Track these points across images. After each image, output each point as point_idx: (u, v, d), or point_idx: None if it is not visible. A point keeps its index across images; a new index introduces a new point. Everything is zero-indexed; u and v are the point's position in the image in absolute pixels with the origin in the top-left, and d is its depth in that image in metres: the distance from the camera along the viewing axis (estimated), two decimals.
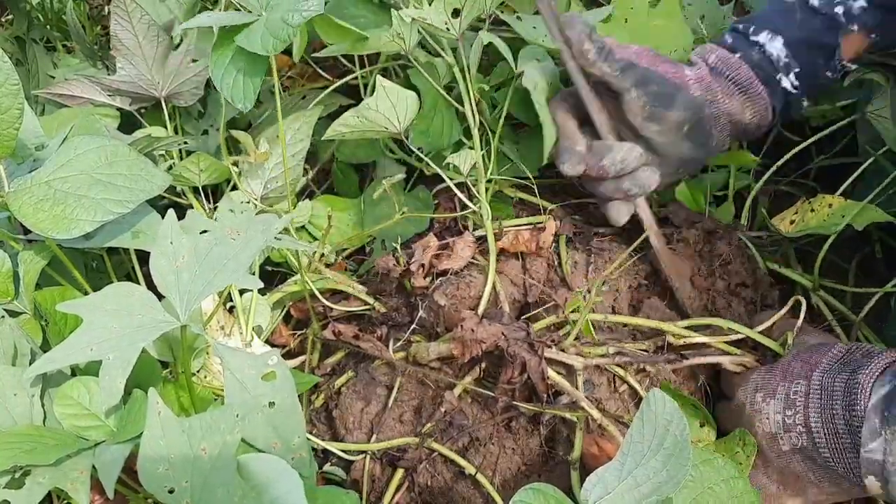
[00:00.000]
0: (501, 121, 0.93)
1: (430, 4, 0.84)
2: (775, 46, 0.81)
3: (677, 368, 0.81)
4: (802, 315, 0.80)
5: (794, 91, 0.83)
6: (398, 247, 0.91)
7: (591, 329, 0.82)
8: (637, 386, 0.80)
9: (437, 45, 0.89)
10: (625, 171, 0.82)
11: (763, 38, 0.82)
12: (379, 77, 0.85)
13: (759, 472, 0.75)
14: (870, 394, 0.67)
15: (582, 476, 0.76)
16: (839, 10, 0.81)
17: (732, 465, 0.66)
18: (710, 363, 0.80)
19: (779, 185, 1.06)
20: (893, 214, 0.86)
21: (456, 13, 0.85)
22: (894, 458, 0.65)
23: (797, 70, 0.82)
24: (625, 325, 0.87)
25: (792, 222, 0.90)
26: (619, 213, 0.86)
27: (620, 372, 0.80)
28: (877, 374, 0.68)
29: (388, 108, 0.86)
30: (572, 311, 0.82)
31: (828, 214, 0.87)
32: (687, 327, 0.82)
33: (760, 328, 0.81)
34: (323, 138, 0.88)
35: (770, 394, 0.74)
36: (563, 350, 0.79)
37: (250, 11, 0.78)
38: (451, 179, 0.90)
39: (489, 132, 0.95)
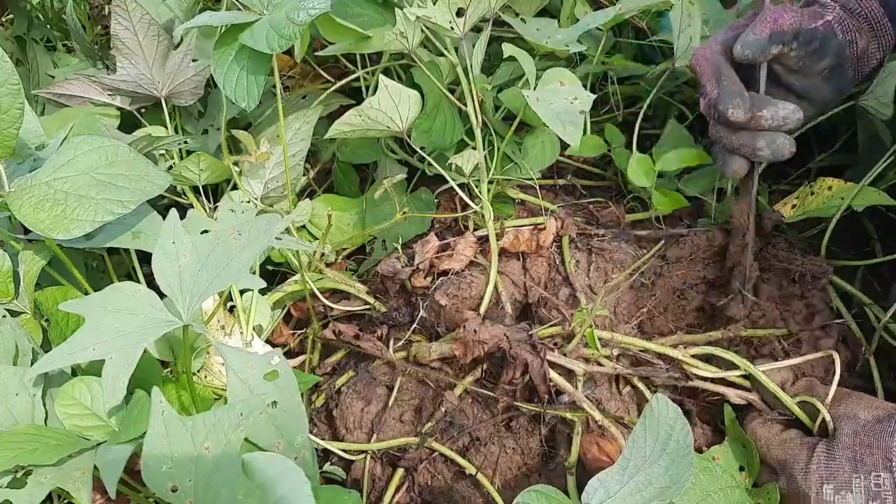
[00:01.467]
0: (507, 120, 0.93)
1: (434, 3, 0.84)
2: None
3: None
4: (836, 380, 0.74)
5: None
6: (399, 247, 0.91)
7: (596, 341, 0.81)
8: (641, 386, 0.80)
9: (441, 45, 0.89)
10: (781, 128, 0.78)
11: None
12: (381, 76, 0.85)
13: None
14: None
15: (580, 478, 0.76)
16: None
17: (731, 475, 0.66)
18: (715, 390, 0.79)
19: (779, 185, 1.06)
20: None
21: (460, 13, 0.85)
22: None
23: None
24: (627, 321, 0.87)
25: (793, 206, 0.90)
26: (740, 168, 0.82)
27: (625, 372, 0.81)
28: None
29: (391, 106, 0.86)
30: (578, 323, 0.81)
31: (827, 197, 0.87)
32: (695, 355, 0.80)
33: (766, 368, 0.78)
34: (325, 137, 0.88)
35: (844, 486, 0.69)
36: (564, 354, 0.79)
37: (252, 10, 0.78)
38: (452, 180, 0.90)
39: (492, 133, 0.95)
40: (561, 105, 0.83)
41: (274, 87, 0.84)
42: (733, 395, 0.77)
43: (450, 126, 0.93)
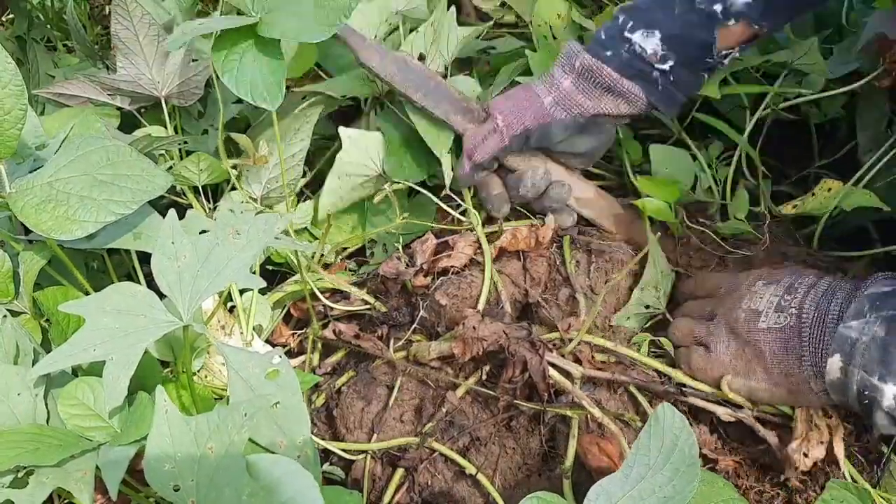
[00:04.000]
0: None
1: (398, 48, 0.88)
2: (651, 42, 0.84)
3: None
4: None
5: (670, 81, 0.86)
6: (400, 247, 0.91)
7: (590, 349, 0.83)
8: (637, 394, 0.81)
9: None
10: (541, 191, 0.91)
11: (638, 36, 0.85)
12: (341, 128, 0.91)
13: (720, 343, 0.78)
14: (869, 287, 0.70)
15: (577, 479, 0.76)
16: (717, 7, 0.83)
17: (732, 487, 0.66)
18: (707, 409, 0.79)
19: (779, 186, 1.07)
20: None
21: (422, 57, 0.91)
22: (867, 340, 0.67)
23: (672, 63, 0.85)
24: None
25: (794, 207, 0.93)
26: (566, 219, 0.94)
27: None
28: (885, 283, 0.71)
29: (361, 154, 0.91)
30: (577, 330, 0.82)
31: (825, 198, 0.90)
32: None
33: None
34: (319, 218, 0.94)
35: (773, 282, 0.78)
36: (563, 355, 0.80)
37: (246, 14, 0.77)
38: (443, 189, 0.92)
39: None
40: None
41: None
42: (722, 412, 0.78)
43: (423, 157, 0.95)
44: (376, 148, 0.92)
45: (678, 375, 0.80)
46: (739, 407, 0.78)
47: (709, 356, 0.79)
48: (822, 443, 0.75)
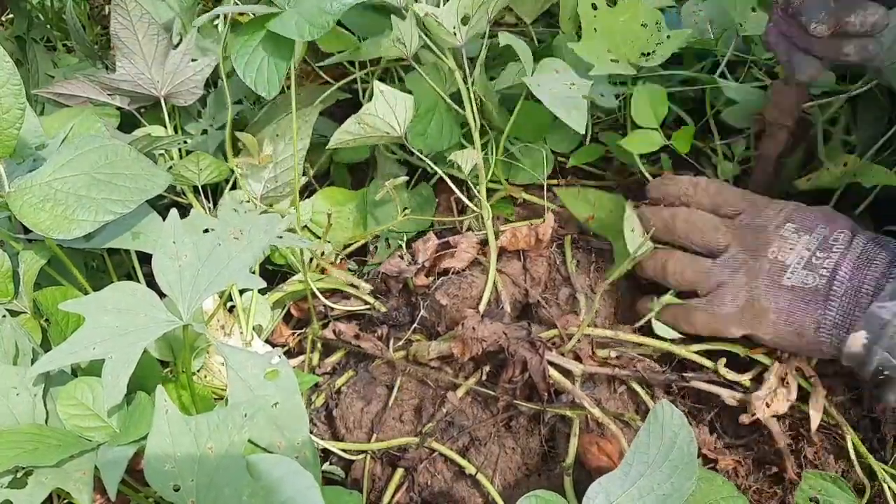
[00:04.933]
0: (509, 127, 0.93)
1: (444, 4, 0.85)
2: None
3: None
4: None
5: None
6: (403, 244, 0.91)
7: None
8: (639, 389, 0.81)
9: (439, 50, 0.89)
10: (869, 34, 0.73)
11: None
12: (376, 82, 0.86)
13: (727, 294, 0.74)
14: None
15: (579, 478, 0.76)
16: None
17: (731, 485, 0.66)
18: (711, 391, 0.79)
19: None
20: None
21: (465, 20, 0.85)
22: None
23: None
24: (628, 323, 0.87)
25: (808, 180, 0.90)
26: (817, 71, 0.77)
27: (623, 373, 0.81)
28: None
29: (388, 112, 0.86)
30: (577, 327, 0.82)
31: (842, 172, 0.87)
32: (697, 352, 0.80)
33: None
34: (327, 148, 0.89)
35: (805, 229, 0.73)
36: (562, 354, 0.80)
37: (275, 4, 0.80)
38: (452, 179, 0.90)
39: (494, 134, 0.95)
40: (561, 90, 0.84)
41: None
42: (727, 395, 0.77)
43: (447, 129, 0.93)
44: (403, 109, 0.87)
45: (681, 352, 0.79)
46: (745, 389, 0.77)
47: (713, 312, 0.74)
48: (788, 401, 0.75)
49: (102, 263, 0.87)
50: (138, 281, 0.81)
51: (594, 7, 0.93)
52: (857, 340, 0.67)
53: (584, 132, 0.82)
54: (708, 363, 0.79)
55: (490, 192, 0.94)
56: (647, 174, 0.91)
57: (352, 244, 1.00)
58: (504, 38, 0.87)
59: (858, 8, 0.72)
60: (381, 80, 0.98)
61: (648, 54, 0.92)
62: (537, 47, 1.06)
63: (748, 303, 0.73)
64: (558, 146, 1.00)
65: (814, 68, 0.76)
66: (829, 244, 0.71)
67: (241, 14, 0.90)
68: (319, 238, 0.97)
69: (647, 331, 0.86)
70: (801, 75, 0.77)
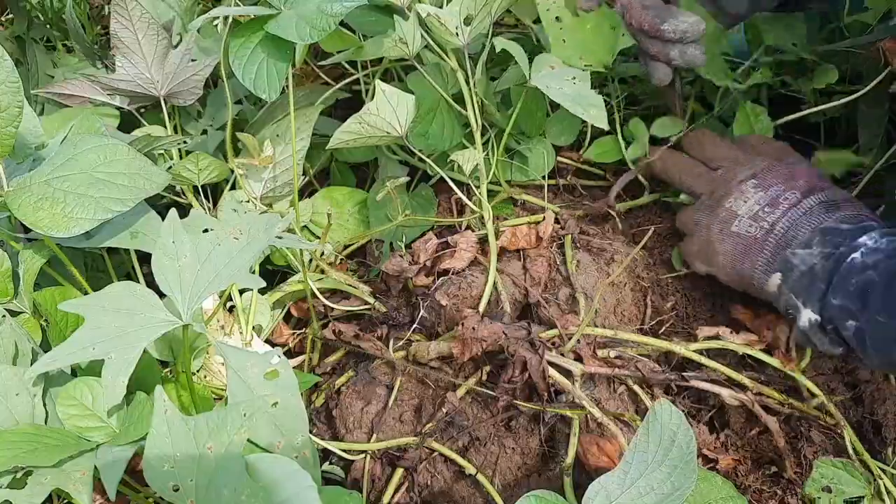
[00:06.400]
0: (510, 124, 0.93)
1: (447, 4, 0.84)
2: None
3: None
4: None
5: None
6: (403, 246, 0.91)
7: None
8: (638, 390, 0.81)
9: (441, 50, 0.89)
10: (684, 40, 0.83)
11: None
12: (378, 81, 0.86)
13: (695, 234, 0.85)
14: (828, 220, 0.76)
15: (577, 478, 0.76)
16: None
17: (730, 485, 0.66)
18: (711, 391, 0.80)
19: None
20: None
21: (468, 20, 0.85)
22: (804, 269, 0.75)
23: None
24: (628, 322, 0.87)
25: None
26: (664, 75, 0.87)
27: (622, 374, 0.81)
28: (845, 220, 0.76)
29: (389, 112, 0.87)
30: (577, 327, 0.82)
31: (818, 162, 0.95)
32: (696, 350, 0.82)
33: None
34: (327, 147, 0.89)
35: (762, 188, 0.81)
36: (562, 354, 0.79)
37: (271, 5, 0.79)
38: (453, 181, 0.90)
39: (496, 132, 0.95)
40: (570, 88, 0.84)
41: None
42: (727, 394, 0.78)
43: (448, 129, 0.93)
44: (405, 109, 0.88)
45: (687, 353, 0.81)
46: (744, 389, 0.79)
47: (687, 250, 0.87)
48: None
49: (102, 263, 0.87)
50: (138, 281, 0.81)
51: (558, 20, 0.95)
52: (773, 281, 0.78)
53: (606, 128, 0.84)
54: (708, 363, 0.80)
55: (490, 193, 0.94)
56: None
57: (352, 244, 1.00)
58: (499, 42, 0.87)
59: (670, 16, 0.82)
60: (382, 80, 0.97)
61: (620, 54, 0.95)
62: (537, 46, 1.06)
63: (706, 243, 0.84)
64: (557, 139, 1.01)
65: (661, 72, 0.87)
66: (778, 202, 0.80)
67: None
68: (319, 238, 0.97)
69: (648, 331, 0.87)
70: (653, 79, 0.88)
